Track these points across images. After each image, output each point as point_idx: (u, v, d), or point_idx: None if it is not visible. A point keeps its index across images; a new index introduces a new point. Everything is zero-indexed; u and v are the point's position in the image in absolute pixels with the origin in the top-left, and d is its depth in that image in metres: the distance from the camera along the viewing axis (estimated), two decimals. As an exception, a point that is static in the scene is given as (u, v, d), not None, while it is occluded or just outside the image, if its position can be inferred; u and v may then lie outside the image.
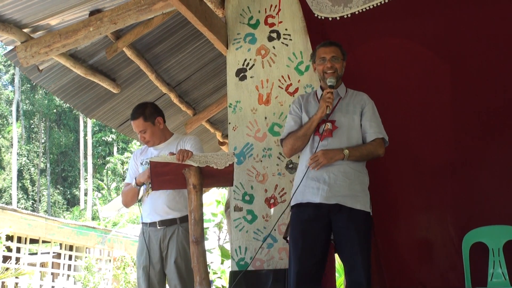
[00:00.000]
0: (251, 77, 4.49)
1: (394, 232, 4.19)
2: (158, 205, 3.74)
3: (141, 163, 3.85)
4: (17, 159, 31.97)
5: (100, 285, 13.15)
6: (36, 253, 12.82)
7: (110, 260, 14.36)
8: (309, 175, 3.27)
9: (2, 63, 34.26)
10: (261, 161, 4.33)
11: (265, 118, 4.39)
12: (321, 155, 3.25)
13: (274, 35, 4.52)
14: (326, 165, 3.24)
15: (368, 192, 3.42)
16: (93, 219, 27.72)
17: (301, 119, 3.45)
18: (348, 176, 3.28)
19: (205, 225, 9.22)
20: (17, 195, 31.16)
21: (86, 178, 32.85)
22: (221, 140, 8.62)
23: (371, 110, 3.47)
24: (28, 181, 33.31)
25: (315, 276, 3.20)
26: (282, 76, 4.41)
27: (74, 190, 34.91)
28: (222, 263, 9.46)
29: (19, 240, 11.84)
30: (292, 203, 3.37)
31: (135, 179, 3.76)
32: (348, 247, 3.20)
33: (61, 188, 34.91)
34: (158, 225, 3.74)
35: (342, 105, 3.42)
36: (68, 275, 13.25)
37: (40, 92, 34.22)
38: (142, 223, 3.84)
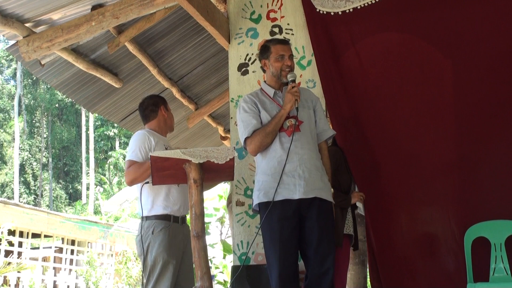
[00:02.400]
0: (253, 72, 4.49)
1: (394, 229, 4.19)
2: (187, 200, 3.57)
3: (166, 148, 3.69)
4: (19, 154, 32.01)
5: (102, 280, 13.19)
6: (38, 248, 12.87)
7: (112, 255, 14.41)
8: (281, 172, 3.24)
9: (4, 57, 34.27)
10: (263, 156, 4.32)
11: (267, 113, 4.38)
12: None
13: (276, 29, 4.51)
14: (299, 159, 3.27)
15: None
16: (95, 213, 27.74)
17: (260, 117, 3.39)
18: (318, 169, 3.34)
19: (207, 219, 9.24)
20: (19, 189, 31.21)
21: (88, 173, 32.87)
22: (223, 135, 8.61)
23: (321, 107, 3.58)
24: (30, 175, 33.35)
25: (295, 274, 3.21)
26: (284, 71, 4.40)
27: (76, 185, 34.97)
28: (224, 257, 9.46)
29: (21, 234, 11.89)
30: (263, 200, 3.29)
31: None
32: (324, 238, 3.21)
33: (63, 182, 34.97)
34: (180, 221, 3.63)
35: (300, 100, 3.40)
36: (70, 270, 13.31)
37: (42, 86, 34.21)
38: (166, 214, 3.58)
